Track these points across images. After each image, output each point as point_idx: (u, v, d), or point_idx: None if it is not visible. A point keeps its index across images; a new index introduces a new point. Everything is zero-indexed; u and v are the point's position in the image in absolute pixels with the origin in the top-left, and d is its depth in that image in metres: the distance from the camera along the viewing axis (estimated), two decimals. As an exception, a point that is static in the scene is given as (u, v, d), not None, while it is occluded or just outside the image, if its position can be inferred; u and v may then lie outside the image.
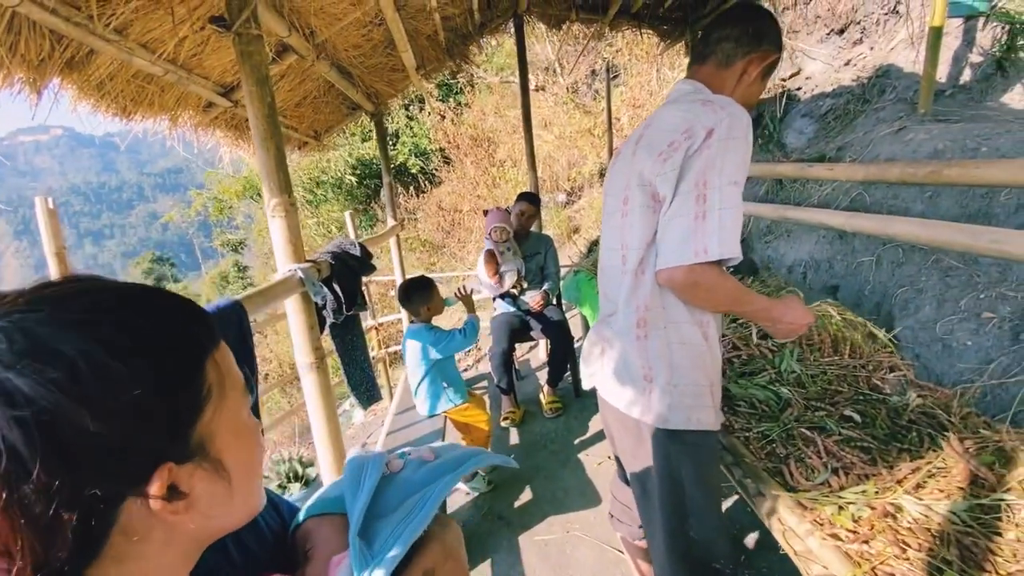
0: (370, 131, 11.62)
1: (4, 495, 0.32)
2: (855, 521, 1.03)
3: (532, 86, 10.93)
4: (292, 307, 1.84)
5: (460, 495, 2.66)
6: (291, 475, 2.81)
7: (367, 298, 2.45)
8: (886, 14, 3.74)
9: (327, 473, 1.99)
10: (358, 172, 11.18)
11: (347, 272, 2.17)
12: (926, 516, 0.99)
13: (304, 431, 5.36)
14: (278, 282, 1.70)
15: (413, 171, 11.29)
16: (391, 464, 0.59)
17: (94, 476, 0.35)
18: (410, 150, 11.41)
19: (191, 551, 0.44)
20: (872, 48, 3.88)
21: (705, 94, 1.17)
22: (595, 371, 1.37)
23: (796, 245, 3.24)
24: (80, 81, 1.77)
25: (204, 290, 15.20)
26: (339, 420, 2.08)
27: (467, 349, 2.67)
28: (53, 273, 1.97)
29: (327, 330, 2.26)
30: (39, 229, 1.98)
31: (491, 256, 3.22)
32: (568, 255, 6.32)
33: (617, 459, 1.59)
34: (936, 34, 2.84)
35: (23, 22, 1.42)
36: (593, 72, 10.27)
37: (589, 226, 6.54)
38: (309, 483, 2.82)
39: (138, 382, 0.36)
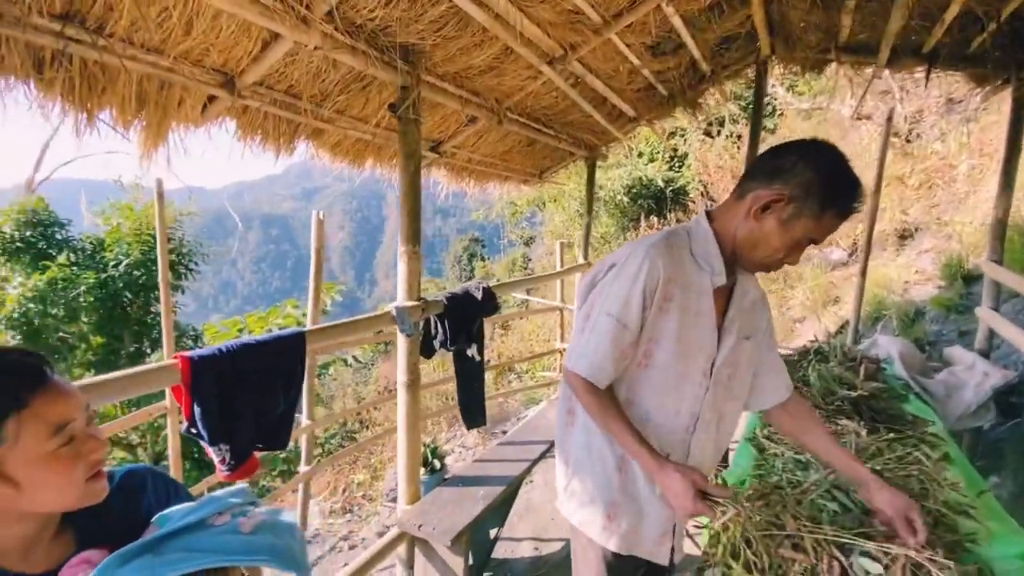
0: (657, 151, 11.75)
1: None
2: None
3: (857, 114, 9.06)
4: (398, 336, 2.28)
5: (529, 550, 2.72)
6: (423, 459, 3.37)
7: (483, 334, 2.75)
8: None
9: (400, 471, 2.37)
10: (633, 191, 11.44)
11: (460, 312, 2.49)
12: None
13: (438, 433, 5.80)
14: (377, 314, 2.14)
15: (692, 195, 10.88)
16: (217, 519, 0.74)
17: None
18: (694, 174, 11.00)
19: (22, 517, 0.70)
20: None
21: (683, 228, 1.22)
22: None
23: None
24: (320, 143, 2.55)
25: (499, 272, 17.86)
26: (424, 439, 2.41)
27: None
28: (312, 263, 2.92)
29: (442, 354, 2.65)
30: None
31: None
32: (808, 333, 5.17)
33: None
34: None
35: (267, 116, 2.18)
36: (950, 100, 7.83)
37: (848, 299, 5.19)
38: (434, 471, 3.33)
39: None
